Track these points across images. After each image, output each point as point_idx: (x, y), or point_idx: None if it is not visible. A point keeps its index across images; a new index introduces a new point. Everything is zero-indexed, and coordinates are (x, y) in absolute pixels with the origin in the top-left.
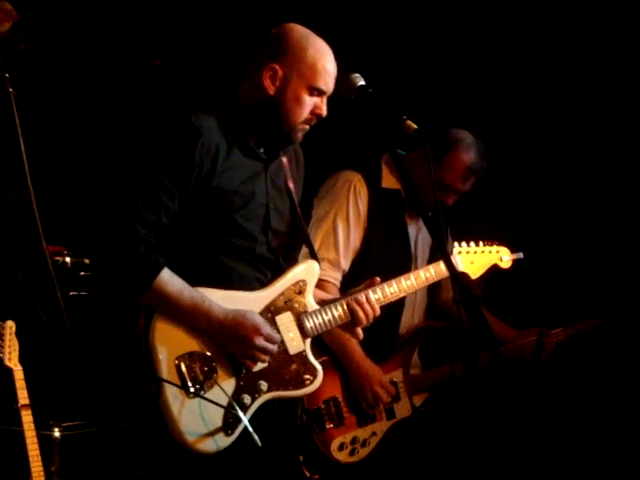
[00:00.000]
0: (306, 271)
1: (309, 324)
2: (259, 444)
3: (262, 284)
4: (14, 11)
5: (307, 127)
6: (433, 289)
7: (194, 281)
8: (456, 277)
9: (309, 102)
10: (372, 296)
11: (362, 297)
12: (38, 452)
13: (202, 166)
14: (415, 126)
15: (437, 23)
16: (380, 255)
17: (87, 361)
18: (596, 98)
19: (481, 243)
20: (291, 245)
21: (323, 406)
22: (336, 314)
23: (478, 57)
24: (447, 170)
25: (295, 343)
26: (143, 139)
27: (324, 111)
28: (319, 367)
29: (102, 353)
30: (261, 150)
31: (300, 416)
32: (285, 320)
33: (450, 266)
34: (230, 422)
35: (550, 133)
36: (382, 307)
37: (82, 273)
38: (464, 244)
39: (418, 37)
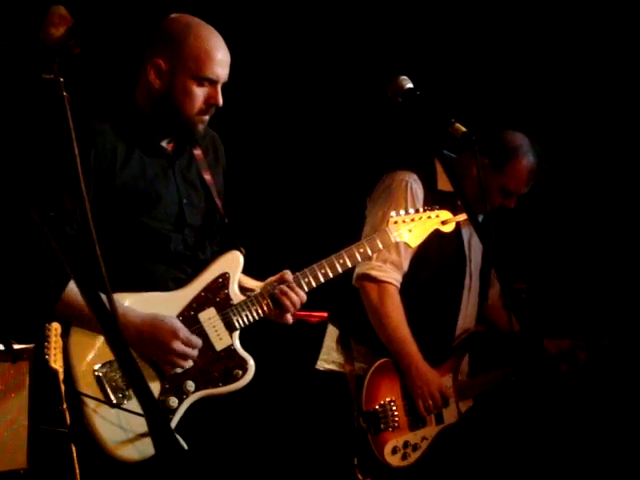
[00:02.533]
0: (227, 263)
1: (235, 317)
2: (185, 447)
3: (183, 282)
4: (69, 15)
5: (206, 118)
6: (485, 295)
7: (111, 287)
8: (506, 282)
9: (199, 93)
10: (302, 281)
11: (285, 286)
12: None
13: (99, 171)
14: (464, 129)
15: (485, 26)
16: (436, 256)
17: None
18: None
19: (420, 209)
20: (210, 238)
21: (380, 409)
22: (264, 302)
23: (526, 58)
24: (511, 178)
25: (221, 338)
26: (37, 148)
27: (219, 100)
28: (250, 359)
29: None
30: (167, 146)
31: (357, 418)
32: (208, 316)
33: (503, 273)
34: None
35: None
36: (438, 312)
37: None
38: (402, 212)
39: (465, 39)
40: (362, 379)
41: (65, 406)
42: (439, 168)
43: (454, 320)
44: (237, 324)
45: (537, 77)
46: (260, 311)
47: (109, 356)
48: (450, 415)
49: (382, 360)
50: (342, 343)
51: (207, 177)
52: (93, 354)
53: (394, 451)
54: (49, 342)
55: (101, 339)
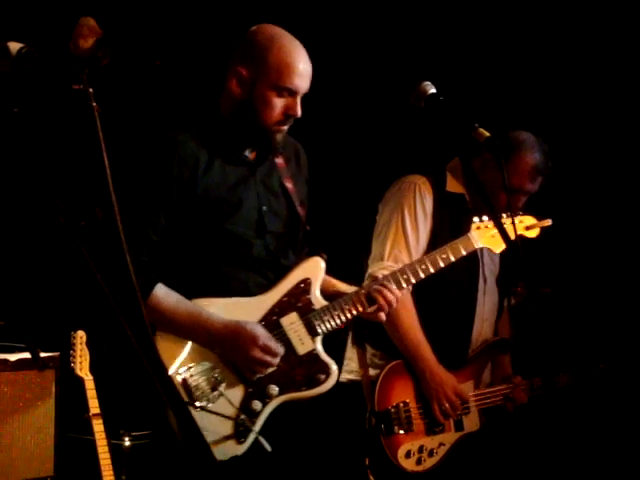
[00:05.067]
0: (309, 269)
1: (317, 322)
2: (268, 449)
3: (264, 287)
4: (97, 27)
5: (284, 128)
6: (502, 304)
7: (194, 293)
8: (531, 284)
9: (278, 103)
10: (401, 278)
11: (380, 285)
12: (109, 461)
13: (182, 178)
14: (487, 134)
15: (511, 30)
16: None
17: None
18: None
19: (504, 215)
20: (293, 245)
21: (393, 410)
22: (345, 307)
23: (547, 62)
24: (514, 173)
25: (304, 343)
26: (124, 158)
27: (298, 112)
28: (332, 364)
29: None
30: (249, 154)
31: (369, 418)
32: (290, 321)
33: (526, 272)
34: (241, 430)
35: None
36: (453, 315)
37: None
38: (485, 218)
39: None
40: (376, 381)
41: (92, 413)
42: (448, 172)
43: (470, 324)
44: (319, 329)
45: (546, 78)
46: (343, 316)
47: (194, 359)
48: (471, 423)
49: (396, 362)
50: (357, 348)
51: (289, 185)
52: (178, 358)
53: (408, 455)
54: (75, 350)
55: (185, 343)
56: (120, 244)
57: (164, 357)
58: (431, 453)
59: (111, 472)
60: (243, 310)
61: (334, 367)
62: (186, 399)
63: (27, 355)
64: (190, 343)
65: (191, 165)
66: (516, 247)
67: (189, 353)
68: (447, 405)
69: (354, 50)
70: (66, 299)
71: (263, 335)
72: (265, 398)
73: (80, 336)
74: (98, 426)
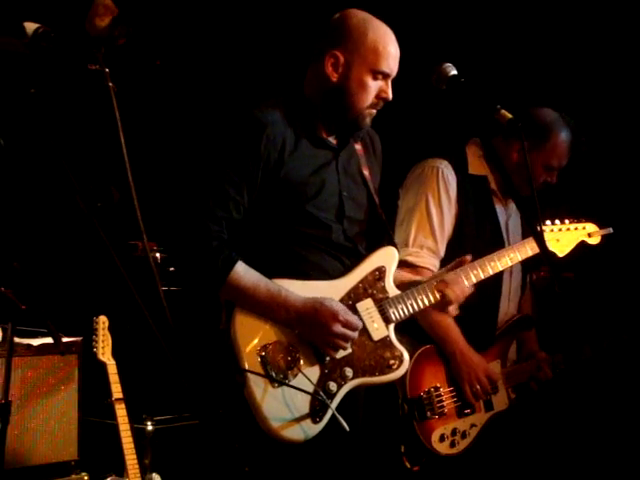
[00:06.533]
0: (385, 257)
1: (391, 310)
2: (347, 429)
3: (341, 272)
4: (114, 6)
5: (374, 112)
6: (525, 281)
7: (271, 273)
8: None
9: (373, 86)
10: (471, 273)
11: (450, 277)
12: (132, 445)
13: (269, 158)
14: (510, 115)
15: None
16: (473, 241)
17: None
18: None
19: (567, 220)
20: (369, 232)
21: (425, 395)
22: (419, 297)
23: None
24: (553, 153)
25: (378, 329)
26: (210, 136)
27: (389, 94)
28: (404, 352)
29: (192, 348)
30: (331, 139)
31: (402, 405)
32: (366, 307)
33: (545, 249)
34: (317, 409)
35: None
36: (480, 296)
37: (172, 269)
38: (548, 222)
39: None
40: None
41: (115, 398)
42: (470, 153)
43: (496, 304)
44: (393, 316)
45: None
46: (416, 305)
47: (271, 337)
48: (500, 402)
49: (425, 347)
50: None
51: (366, 173)
52: (256, 335)
53: (442, 438)
54: (97, 335)
55: (264, 321)
56: (137, 226)
57: (244, 333)
58: (464, 435)
59: (134, 456)
60: (320, 293)
61: (406, 355)
62: (265, 375)
63: (50, 340)
64: (268, 320)
65: (278, 146)
66: (539, 235)
67: (267, 331)
68: (478, 387)
69: None
70: (89, 284)
71: (343, 310)
72: (340, 380)
73: (102, 321)
74: (121, 410)
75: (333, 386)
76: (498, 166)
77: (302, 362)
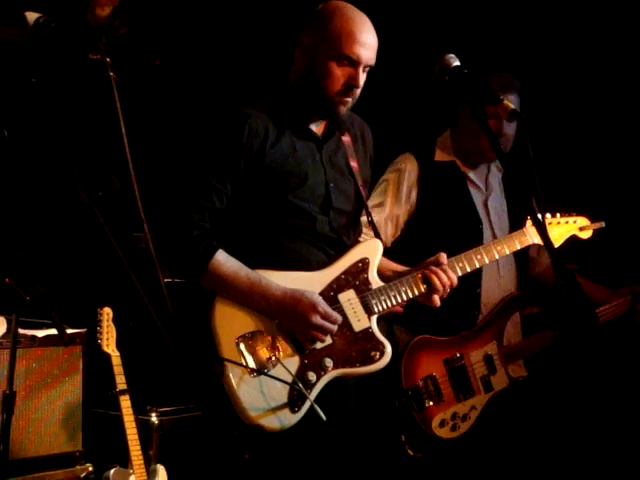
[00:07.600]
0: (368, 249)
1: (373, 301)
2: (324, 419)
3: (324, 263)
4: None
5: (346, 99)
6: (523, 263)
7: (254, 263)
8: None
9: (339, 73)
10: (456, 265)
11: (437, 266)
12: (137, 436)
13: (251, 149)
14: (512, 106)
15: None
16: (447, 225)
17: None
18: None
19: (558, 214)
20: (354, 224)
21: (422, 384)
22: (402, 289)
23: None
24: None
25: (360, 321)
26: (195, 127)
27: (358, 81)
28: (387, 343)
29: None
30: (316, 129)
31: (399, 397)
32: (348, 297)
33: (545, 236)
34: (295, 399)
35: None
36: (459, 280)
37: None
38: (539, 215)
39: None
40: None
41: (119, 389)
42: (438, 143)
43: (476, 285)
44: (375, 308)
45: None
46: (399, 296)
47: (251, 327)
48: (499, 381)
49: (419, 337)
50: (385, 328)
51: (353, 164)
52: (236, 324)
53: (442, 424)
54: (101, 327)
55: (244, 310)
56: (138, 217)
57: (222, 321)
58: (464, 418)
59: (138, 447)
60: (302, 283)
61: (388, 347)
62: (243, 364)
63: (55, 331)
64: (248, 310)
65: (261, 136)
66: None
67: (247, 320)
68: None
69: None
70: (93, 275)
71: (322, 302)
72: (320, 370)
73: (107, 312)
74: (125, 402)
75: (312, 376)
76: (486, 131)
77: (281, 352)
